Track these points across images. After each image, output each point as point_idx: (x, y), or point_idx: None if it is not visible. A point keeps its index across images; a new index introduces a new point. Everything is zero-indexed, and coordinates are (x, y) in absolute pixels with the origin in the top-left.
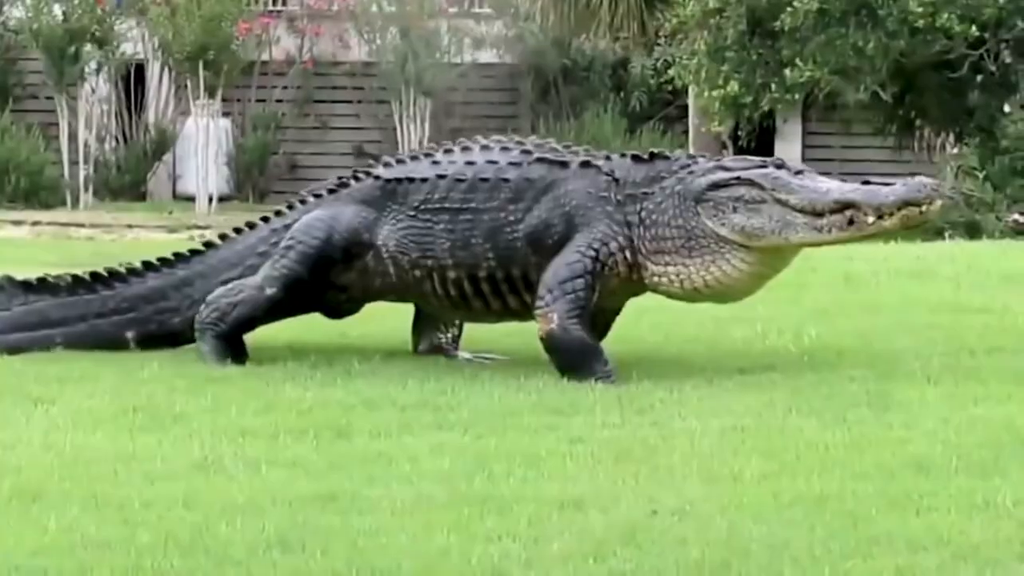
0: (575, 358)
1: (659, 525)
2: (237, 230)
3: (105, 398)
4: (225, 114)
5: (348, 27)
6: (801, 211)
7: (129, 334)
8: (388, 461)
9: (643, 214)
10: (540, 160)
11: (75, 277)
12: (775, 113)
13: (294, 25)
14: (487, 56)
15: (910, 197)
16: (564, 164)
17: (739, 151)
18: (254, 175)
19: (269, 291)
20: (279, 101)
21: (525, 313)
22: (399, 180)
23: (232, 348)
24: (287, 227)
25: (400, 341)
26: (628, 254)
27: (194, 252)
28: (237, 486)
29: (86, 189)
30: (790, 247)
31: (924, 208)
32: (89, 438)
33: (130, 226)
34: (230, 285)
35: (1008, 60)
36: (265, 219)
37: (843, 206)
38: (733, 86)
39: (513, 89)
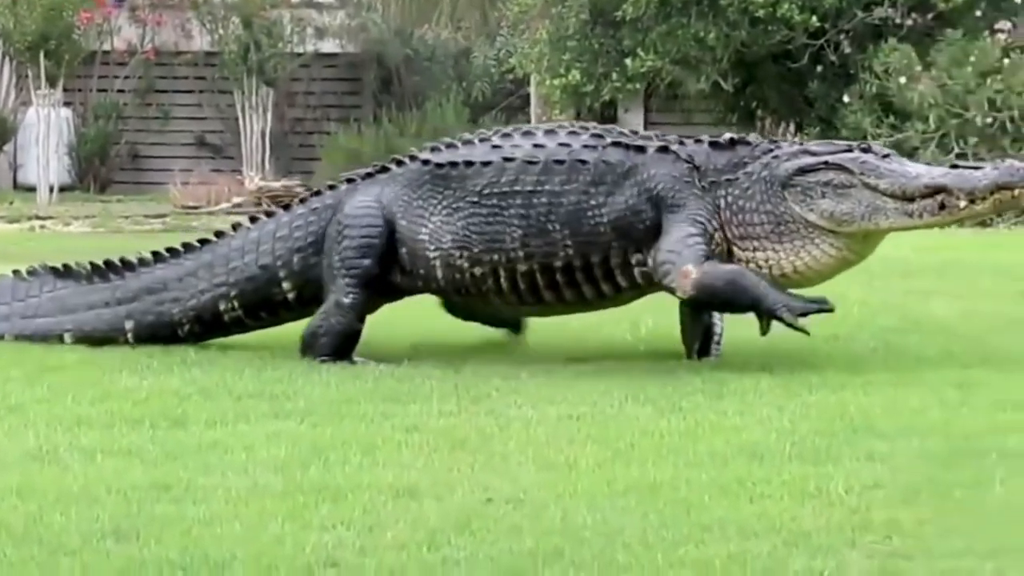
0: (737, 286)
1: (493, 513)
2: (253, 219)
3: None
4: (66, 104)
5: (190, 17)
6: (891, 196)
7: (128, 325)
8: (224, 450)
9: (728, 199)
10: (616, 144)
11: (94, 265)
12: (617, 102)
13: (136, 15)
14: (329, 46)
15: (1003, 181)
16: (641, 149)
17: None
18: (96, 165)
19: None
20: (121, 91)
21: (597, 301)
22: (454, 164)
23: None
24: (314, 211)
25: None
26: (719, 237)
27: (203, 241)
28: (72, 475)
29: None
30: (879, 232)
31: (1017, 192)
32: None
33: None
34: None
35: (848, 50)
36: (286, 207)
37: (934, 190)
38: (575, 75)
39: (356, 79)
